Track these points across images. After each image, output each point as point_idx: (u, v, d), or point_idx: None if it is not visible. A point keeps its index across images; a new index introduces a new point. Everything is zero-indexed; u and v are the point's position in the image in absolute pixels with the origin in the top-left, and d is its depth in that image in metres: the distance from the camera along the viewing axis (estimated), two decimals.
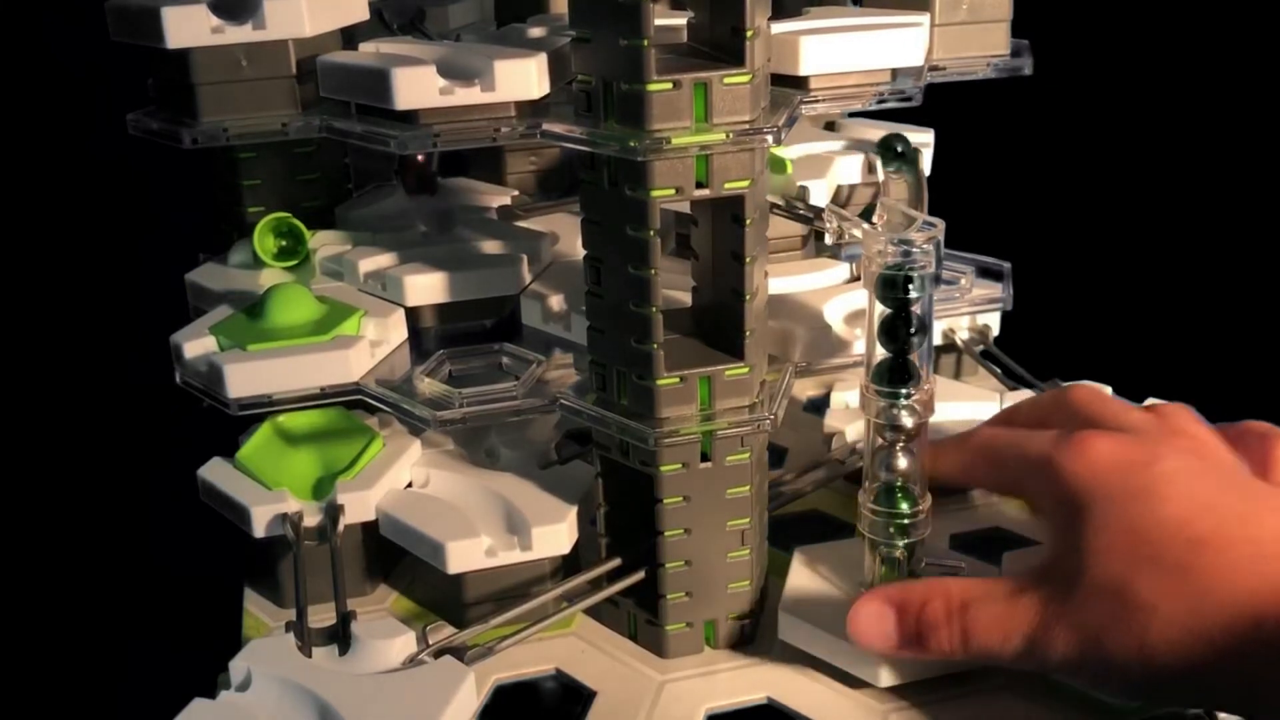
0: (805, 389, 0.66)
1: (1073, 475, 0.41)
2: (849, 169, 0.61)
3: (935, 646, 0.42)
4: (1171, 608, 0.36)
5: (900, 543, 0.45)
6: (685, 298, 0.48)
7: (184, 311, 0.57)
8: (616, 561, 0.47)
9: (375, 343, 0.52)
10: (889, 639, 0.42)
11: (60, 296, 0.87)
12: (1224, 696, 0.37)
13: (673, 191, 0.41)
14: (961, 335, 0.64)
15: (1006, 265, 0.61)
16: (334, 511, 0.48)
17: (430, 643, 0.44)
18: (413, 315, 0.54)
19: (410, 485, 0.52)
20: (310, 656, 0.44)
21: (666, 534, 0.45)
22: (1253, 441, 0.43)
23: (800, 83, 0.51)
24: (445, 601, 0.49)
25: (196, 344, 0.51)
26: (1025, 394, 0.59)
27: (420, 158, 0.62)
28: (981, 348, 0.63)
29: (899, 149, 0.51)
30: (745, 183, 0.41)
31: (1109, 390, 0.59)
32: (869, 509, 0.45)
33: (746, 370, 0.44)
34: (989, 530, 0.53)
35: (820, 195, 0.59)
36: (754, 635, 0.48)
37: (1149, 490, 0.39)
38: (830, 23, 0.52)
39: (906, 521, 0.44)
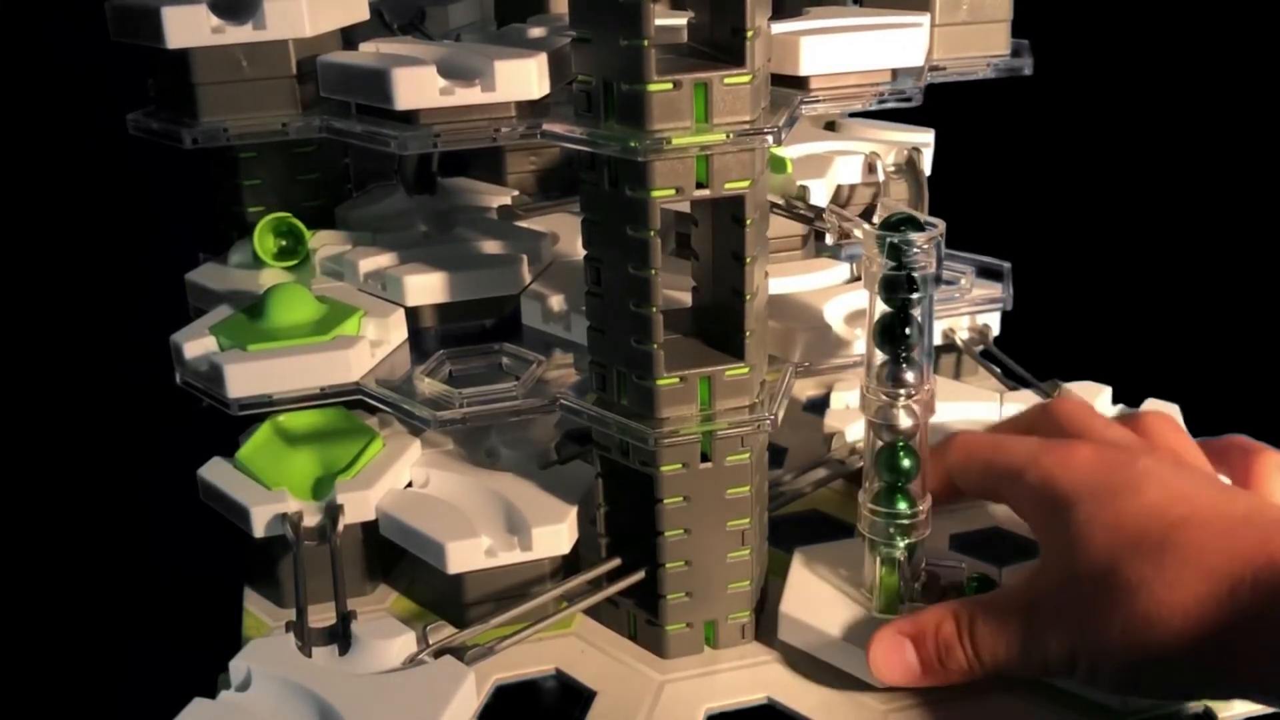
0: (805, 389, 0.66)
1: (1057, 477, 0.42)
2: (849, 169, 0.61)
3: (955, 667, 0.42)
4: (1152, 587, 0.37)
5: (900, 543, 0.45)
6: (685, 298, 0.48)
7: (184, 311, 0.57)
8: (616, 561, 0.47)
9: (375, 343, 0.52)
10: (911, 669, 0.43)
11: (60, 296, 0.87)
12: (1211, 677, 0.37)
13: (673, 192, 0.41)
14: (961, 335, 0.64)
15: (1006, 265, 0.61)
16: (334, 511, 0.48)
17: (430, 643, 0.44)
18: (413, 315, 0.54)
19: (410, 485, 0.52)
20: (310, 656, 0.44)
21: (666, 534, 0.45)
22: (1235, 455, 0.44)
23: (800, 83, 0.51)
24: (445, 601, 0.49)
25: (196, 344, 0.51)
26: (1025, 394, 0.59)
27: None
28: (981, 348, 0.63)
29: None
30: (745, 183, 0.41)
31: (1108, 391, 0.59)
32: (869, 509, 0.45)
33: (746, 370, 0.44)
34: (989, 530, 0.53)
35: (820, 195, 0.59)
36: (754, 636, 0.48)
37: (1128, 484, 0.40)
38: (830, 23, 0.52)
39: (906, 522, 0.44)
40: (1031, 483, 0.43)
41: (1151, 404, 0.58)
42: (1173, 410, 0.57)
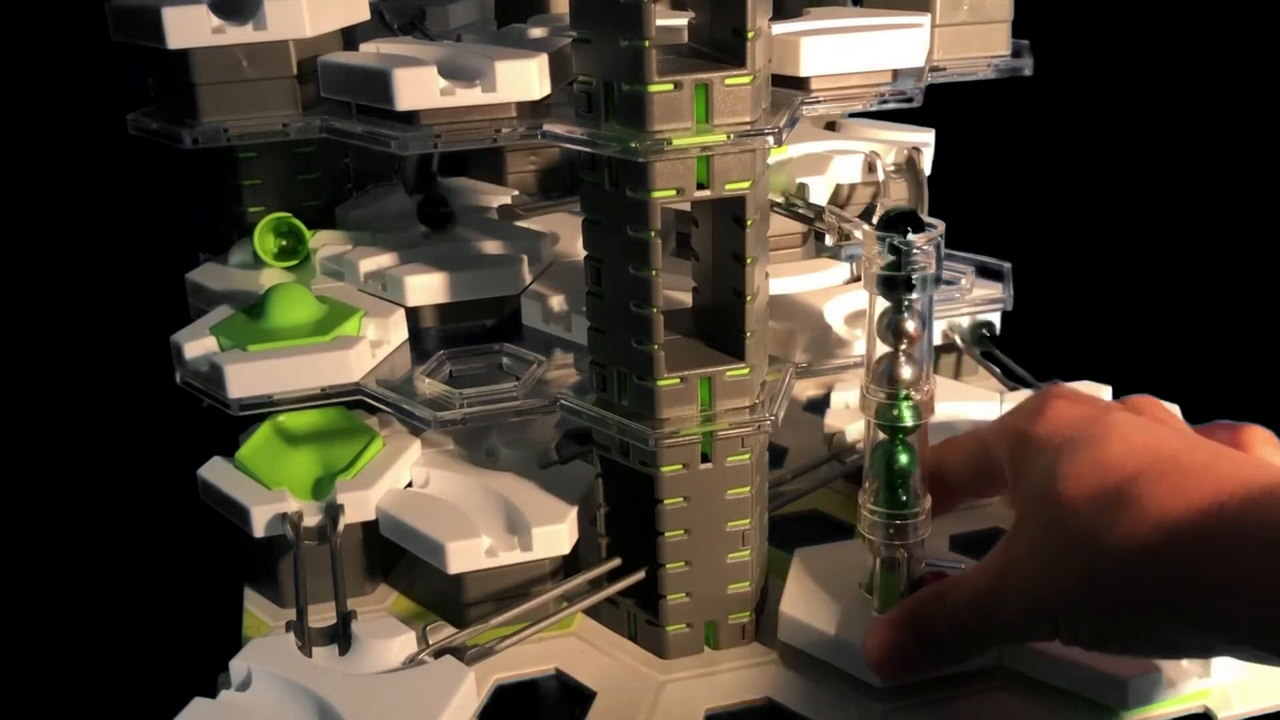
0: (805, 389, 0.66)
1: (1030, 433, 0.42)
2: (849, 168, 0.61)
3: (945, 645, 0.42)
4: (1111, 537, 0.38)
5: (900, 543, 0.45)
6: (685, 298, 0.48)
7: (184, 311, 0.57)
8: (616, 561, 0.47)
9: (376, 343, 0.52)
10: (905, 656, 0.43)
11: (61, 296, 0.87)
12: (1181, 628, 0.38)
13: (674, 192, 0.41)
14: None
15: (1006, 265, 0.61)
16: (334, 511, 0.48)
17: (430, 643, 0.44)
18: (413, 315, 0.54)
19: (410, 485, 0.52)
20: (310, 656, 0.44)
21: (667, 535, 0.45)
22: (1221, 434, 0.44)
23: (801, 83, 0.51)
24: (445, 601, 0.49)
25: (197, 344, 0.51)
26: (1025, 394, 0.59)
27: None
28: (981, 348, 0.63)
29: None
30: (746, 184, 0.41)
31: (1108, 391, 0.59)
32: (869, 509, 0.45)
33: (747, 371, 0.44)
34: (989, 530, 0.53)
35: (820, 194, 0.59)
36: (754, 636, 0.48)
37: (1095, 437, 0.41)
38: (831, 24, 0.52)
39: (906, 522, 0.44)
40: (1008, 442, 0.44)
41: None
42: (1173, 410, 0.57)
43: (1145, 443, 0.40)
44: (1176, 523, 0.37)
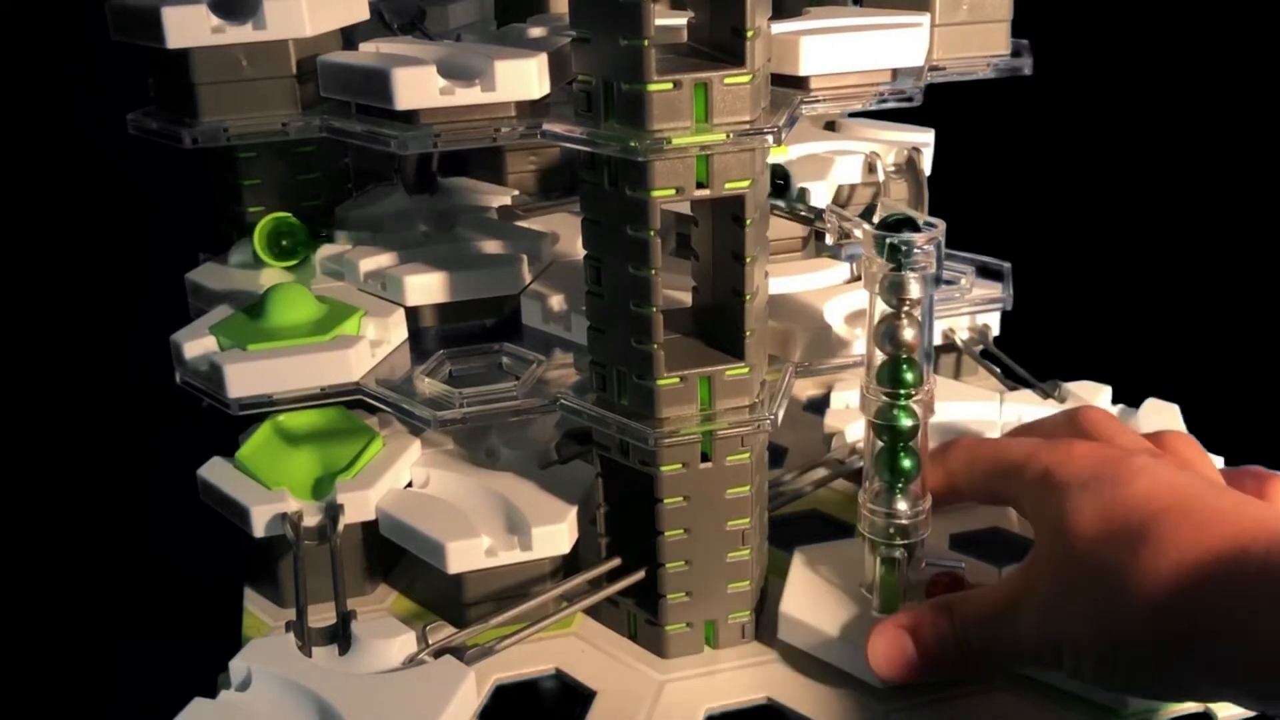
0: (805, 389, 0.66)
1: (1053, 469, 0.42)
2: (849, 169, 0.61)
3: (951, 660, 0.42)
4: (1127, 574, 0.38)
5: (900, 543, 0.45)
6: (685, 298, 0.48)
7: (184, 311, 0.57)
8: (616, 561, 0.47)
9: (375, 342, 0.52)
10: (909, 663, 0.43)
11: (61, 296, 0.87)
12: (1184, 671, 0.37)
13: (673, 192, 0.41)
14: (961, 335, 0.64)
15: (1006, 265, 0.61)
16: (334, 511, 0.48)
17: (430, 643, 0.44)
18: (413, 315, 0.54)
19: (410, 485, 0.52)
20: (310, 656, 0.44)
21: (666, 534, 0.45)
22: (1249, 481, 0.44)
23: (800, 83, 0.51)
24: (445, 601, 0.49)
25: (197, 344, 0.51)
26: (1025, 394, 0.59)
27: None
28: (981, 348, 0.63)
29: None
30: (745, 183, 0.41)
31: (1108, 391, 0.59)
32: (869, 509, 0.45)
33: (747, 370, 0.44)
34: (989, 530, 0.53)
35: (820, 196, 0.59)
36: (754, 635, 0.48)
37: (1120, 476, 0.41)
38: (830, 23, 0.52)
39: (906, 522, 0.44)
40: (1030, 476, 0.43)
41: (1151, 404, 0.58)
42: (1172, 410, 0.58)
43: (1170, 483, 0.40)
44: (1195, 566, 0.36)
